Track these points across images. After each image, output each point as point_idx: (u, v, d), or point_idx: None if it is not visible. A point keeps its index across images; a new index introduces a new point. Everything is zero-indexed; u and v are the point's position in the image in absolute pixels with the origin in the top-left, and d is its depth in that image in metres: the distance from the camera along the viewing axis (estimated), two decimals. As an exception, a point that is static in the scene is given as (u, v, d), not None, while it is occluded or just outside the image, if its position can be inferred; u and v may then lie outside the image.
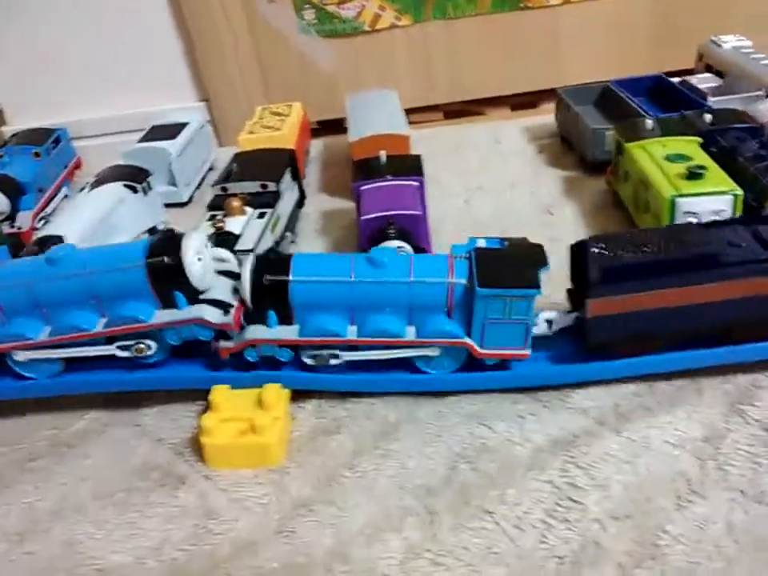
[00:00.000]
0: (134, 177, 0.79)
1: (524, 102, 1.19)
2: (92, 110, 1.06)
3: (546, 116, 1.03)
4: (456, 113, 1.19)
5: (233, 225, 0.66)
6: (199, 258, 0.51)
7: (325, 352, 0.52)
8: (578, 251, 0.52)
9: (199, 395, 0.55)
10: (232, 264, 0.55)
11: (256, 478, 0.48)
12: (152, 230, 0.80)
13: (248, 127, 0.93)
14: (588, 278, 0.50)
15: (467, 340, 0.51)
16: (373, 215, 0.64)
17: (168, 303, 0.52)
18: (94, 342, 0.54)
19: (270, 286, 0.51)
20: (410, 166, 0.73)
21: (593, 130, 0.82)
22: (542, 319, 0.53)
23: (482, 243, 0.55)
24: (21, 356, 0.54)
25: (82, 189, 0.79)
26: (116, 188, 0.76)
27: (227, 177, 0.75)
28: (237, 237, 0.65)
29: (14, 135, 0.96)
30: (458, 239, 0.57)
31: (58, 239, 0.66)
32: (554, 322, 0.53)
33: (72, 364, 0.55)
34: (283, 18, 1.06)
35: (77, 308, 0.52)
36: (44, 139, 0.94)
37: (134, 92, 1.06)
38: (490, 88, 1.15)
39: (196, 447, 0.50)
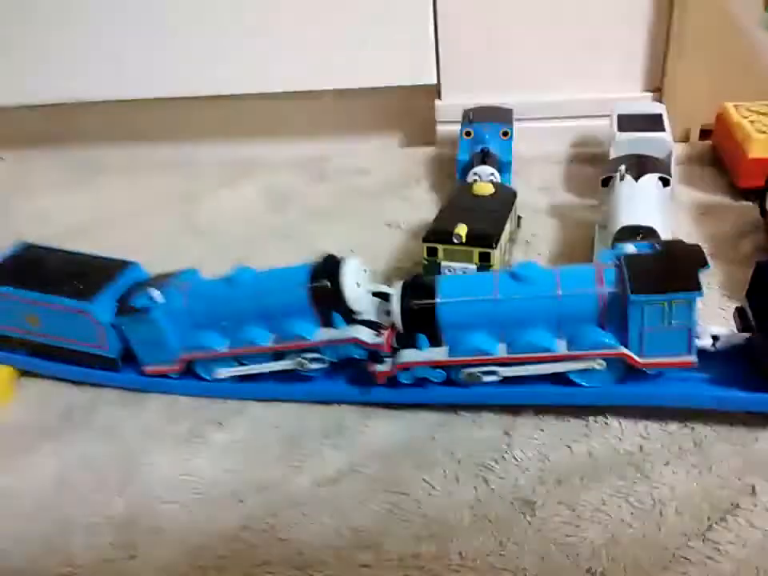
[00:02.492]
0: (664, 170, 0.73)
1: None
2: (524, 92, 1.02)
3: None
4: None
5: None
6: (357, 283, 0.54)
7: (476, 370, 0.53)
8: None
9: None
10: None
11: None
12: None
13: (750, 128, 0.84)
14: None
15: (623, 350, 0.49)
16: None
17: (327, 323, 0.55)
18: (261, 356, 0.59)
19: (418, 310, 0.53)
20: None
21: None
22: (708, 333, 0.50)
23: (631, 248, 0.52)
24: (222, 374, 0.60)
25: (607, 178, 0.74)
26: (655, 180, 0.71)
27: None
28: None
29: (470, 111, 0.94)
30: None
31: (650, 230, 0.62)
32: (720, 339, 0.50)
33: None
34: (746, 8, 0.96)
35: (252, 324, 0.57)
36: (508, 118, 0.91)
37: (572, 78, 1.01)
38: None
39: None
